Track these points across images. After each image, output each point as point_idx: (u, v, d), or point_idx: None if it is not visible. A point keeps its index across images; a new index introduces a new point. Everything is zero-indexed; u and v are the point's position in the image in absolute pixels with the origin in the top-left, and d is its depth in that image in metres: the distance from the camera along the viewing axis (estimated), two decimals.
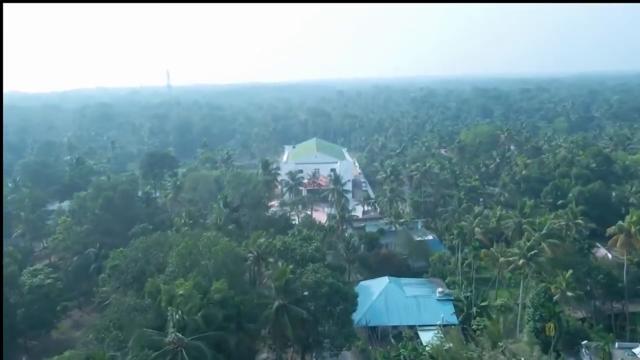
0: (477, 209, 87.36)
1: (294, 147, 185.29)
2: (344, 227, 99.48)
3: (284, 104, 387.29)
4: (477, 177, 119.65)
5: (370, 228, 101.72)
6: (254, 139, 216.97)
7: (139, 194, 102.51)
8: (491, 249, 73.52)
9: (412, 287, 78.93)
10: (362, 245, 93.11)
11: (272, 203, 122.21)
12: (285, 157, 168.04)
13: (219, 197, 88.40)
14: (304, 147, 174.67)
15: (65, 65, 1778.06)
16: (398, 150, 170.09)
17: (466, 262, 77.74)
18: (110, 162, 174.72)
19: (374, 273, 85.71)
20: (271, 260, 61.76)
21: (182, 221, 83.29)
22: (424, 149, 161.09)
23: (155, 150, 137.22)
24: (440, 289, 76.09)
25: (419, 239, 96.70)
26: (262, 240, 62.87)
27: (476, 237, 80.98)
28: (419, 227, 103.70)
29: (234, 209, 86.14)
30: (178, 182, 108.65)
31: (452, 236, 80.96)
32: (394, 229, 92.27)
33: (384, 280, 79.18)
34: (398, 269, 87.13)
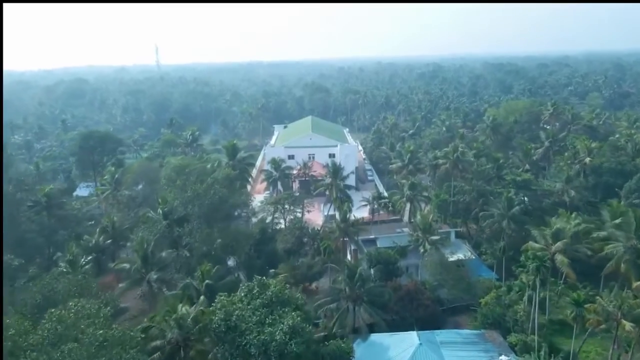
0: (555, 223, 56.68)
1: (285, 126, 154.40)
2: (345, 239, 69.68)
3: (279, 80, 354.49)
4: (527, 167, 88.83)
5: (384, 242, 71.80)
6: (239, 118, 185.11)
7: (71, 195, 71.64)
8: (599, 299, 43.33)
9: (456, 352, 49.16)
10: (373, 271, 63.47)
11: (256, 196, 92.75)
12: (273, 140, 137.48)
13: (158, 201, 58.29)
14: (297, 127, 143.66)
15: (58, 43, 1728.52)
16: (411, 131, 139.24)
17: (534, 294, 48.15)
18: (64, 145, 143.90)
19: (391, 314, 56.29)
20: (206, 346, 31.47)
21: (93, 242, 53.21)
22: (444, 129, 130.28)
23: (93, 130, 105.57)
24: (504, 358, 46.52)
25: (454, 258, 66.71)
26: (186, 308, 32.54)
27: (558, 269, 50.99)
28: (453, 238, 73.60)
29: (178, 221, 55.99)
30: (117, 176, 78.39)
31: (522, 269, 50.67)
32: (422, 249, 61.84)
33: (411, 339, 49.28)
34: (428, 311, 57.38)
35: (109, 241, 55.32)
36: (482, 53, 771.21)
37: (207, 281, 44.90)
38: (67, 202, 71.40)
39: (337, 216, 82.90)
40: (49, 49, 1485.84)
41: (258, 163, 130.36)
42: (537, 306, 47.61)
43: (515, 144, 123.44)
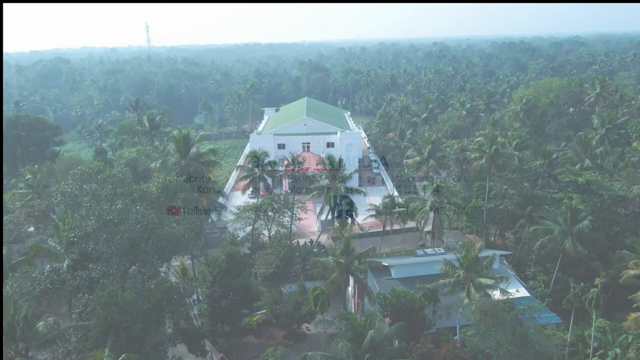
0: None
1: (277, 110, 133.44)
2: (348, 276, 48.95)
3: (276, 61, 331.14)
4: (588, 163, 67.85)
5: (401, 271, 51.45)
6: (226, 101, 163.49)
7: None
8: None
9: None
10: (388, 320, 43.31)
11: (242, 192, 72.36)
12: (261, 126, 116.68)
13: (58, 225, 37.95)
14: (290, 110, 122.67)
15: (54, 25, 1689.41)
16: (424, 115, 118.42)
17: None
18: None
19: None
20: None
21: None
22: (464, 112, 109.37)
23: (22, 114, 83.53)
24: None
25: (499, 293, 45.91)
26: None
27: None
28: (495, 265, 52.78)
29: (82, 260, 35.59)
30: (39, 176, 58.11)
31: None
32: (464, 297, 40.97)
33: None
34: None
35: None
36: (487, 35, 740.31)
37: None
38: None
39: (336, 223, 63.73)
40: (45, 31, 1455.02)
41: (246, 152, 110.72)
42: None
43: (549, 131, 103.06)
